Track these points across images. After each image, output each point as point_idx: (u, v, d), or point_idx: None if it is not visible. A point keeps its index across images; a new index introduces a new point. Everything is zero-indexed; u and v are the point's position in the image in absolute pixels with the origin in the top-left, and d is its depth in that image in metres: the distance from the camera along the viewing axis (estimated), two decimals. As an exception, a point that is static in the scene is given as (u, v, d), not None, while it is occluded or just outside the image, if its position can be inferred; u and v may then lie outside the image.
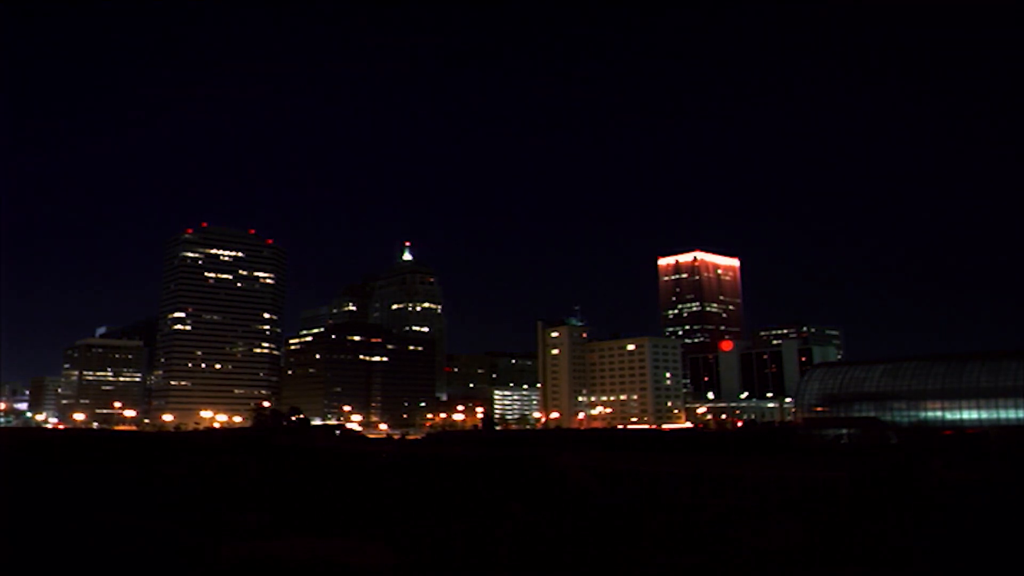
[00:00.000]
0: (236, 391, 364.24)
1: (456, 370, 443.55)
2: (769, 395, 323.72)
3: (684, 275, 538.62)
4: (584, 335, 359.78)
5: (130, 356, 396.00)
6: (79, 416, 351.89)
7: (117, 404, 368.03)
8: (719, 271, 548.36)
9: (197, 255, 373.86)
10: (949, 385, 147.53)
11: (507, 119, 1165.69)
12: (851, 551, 43.13)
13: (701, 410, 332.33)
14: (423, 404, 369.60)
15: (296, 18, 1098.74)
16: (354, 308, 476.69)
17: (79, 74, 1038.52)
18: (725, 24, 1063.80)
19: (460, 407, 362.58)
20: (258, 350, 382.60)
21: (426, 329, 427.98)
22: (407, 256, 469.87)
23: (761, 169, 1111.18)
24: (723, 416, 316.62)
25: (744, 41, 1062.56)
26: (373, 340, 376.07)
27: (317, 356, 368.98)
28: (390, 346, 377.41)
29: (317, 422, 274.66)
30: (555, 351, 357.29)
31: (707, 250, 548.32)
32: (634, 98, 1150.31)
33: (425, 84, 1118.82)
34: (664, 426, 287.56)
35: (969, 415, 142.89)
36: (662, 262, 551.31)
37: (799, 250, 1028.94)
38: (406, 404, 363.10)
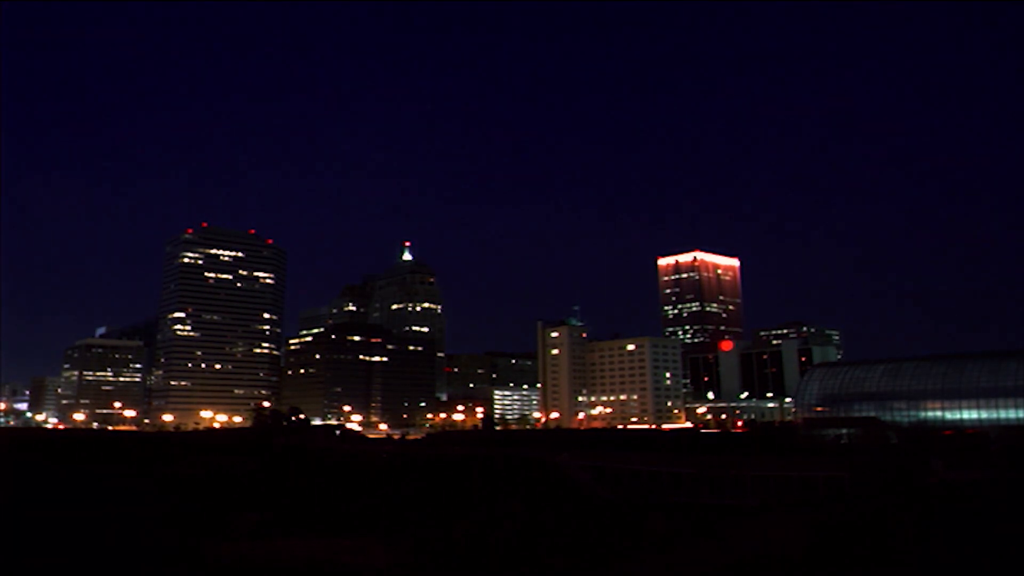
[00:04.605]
0: (236, 391, 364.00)
1: (456, 370, 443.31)
2: (769, 395, 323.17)
3: (684, 275, 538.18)
4: (584, 335, 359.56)
5: (130, 356, 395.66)
6: (79, 416, 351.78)
7: (117, 404, 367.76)
8: (719, 271, 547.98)
9: (197, 255, 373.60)
10: (949, 385, 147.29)
11: (507, 119, 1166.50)
12: (851, 551, 43.08)
13: (701, 410, 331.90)
14: (423, 404, 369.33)
15: (296, 18, 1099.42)
16: (354, 308, 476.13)
17: (79, 74, 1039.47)
18: (726, 24, 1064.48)
19: (460, 407, 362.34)
20: (258, 350, 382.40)
21: (426, 329, 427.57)
22: (407, 256, 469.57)
23: (761, 169, 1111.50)
24: (723, 416, 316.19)
25: (745, 41, 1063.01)
26: (373, 340, 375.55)
27: (317, 356, 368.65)
28: (390, 346, 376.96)
29: (317, 422, 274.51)
30: (555, 351, 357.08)
31: (707, 250, 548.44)
32: (634, 98, 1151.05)
33: (425, 84, 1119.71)
34: (664, 426, 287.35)
35: (969, 415, 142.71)
36: (662, 262, 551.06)
37: (799, 250, 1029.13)
38: (406, 404, 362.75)
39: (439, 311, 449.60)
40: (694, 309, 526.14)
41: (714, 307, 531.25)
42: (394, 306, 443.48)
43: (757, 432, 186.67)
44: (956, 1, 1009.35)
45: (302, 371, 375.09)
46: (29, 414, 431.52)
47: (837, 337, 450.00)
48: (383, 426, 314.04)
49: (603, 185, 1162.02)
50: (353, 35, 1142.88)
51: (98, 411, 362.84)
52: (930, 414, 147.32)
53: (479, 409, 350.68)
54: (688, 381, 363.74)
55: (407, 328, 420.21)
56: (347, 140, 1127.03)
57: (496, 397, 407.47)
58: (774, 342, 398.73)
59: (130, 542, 54.88)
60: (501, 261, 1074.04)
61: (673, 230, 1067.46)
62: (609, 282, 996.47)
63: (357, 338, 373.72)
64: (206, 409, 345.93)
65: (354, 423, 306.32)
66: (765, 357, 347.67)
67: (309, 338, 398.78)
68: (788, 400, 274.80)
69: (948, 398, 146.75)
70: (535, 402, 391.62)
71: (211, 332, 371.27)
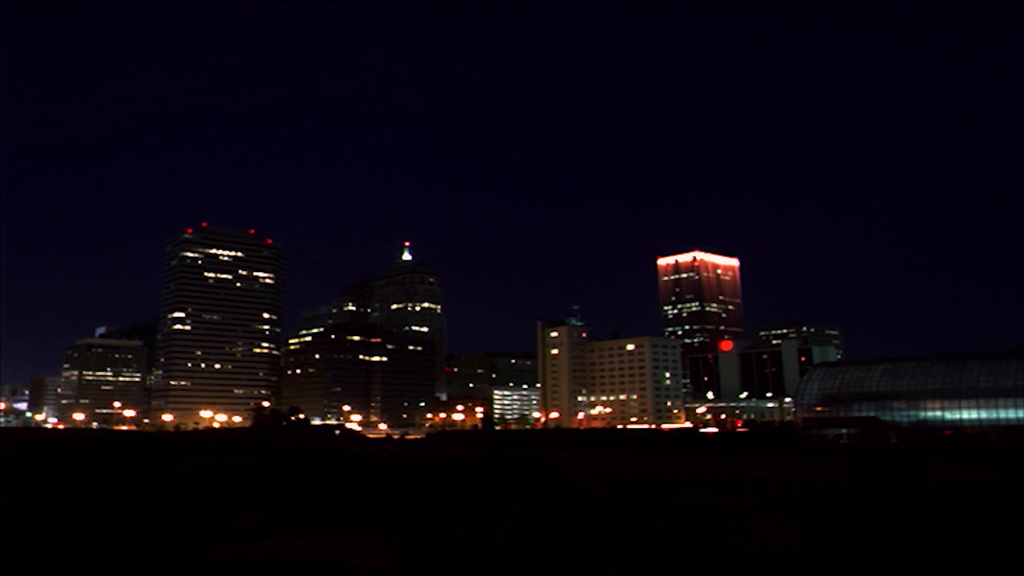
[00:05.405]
0: (236, 391, 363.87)
1: (456, 370, 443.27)
2: (769, 395, 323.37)
3: (684, 275, 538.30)
4: (584, 335, 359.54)
5: (130, 356, 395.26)
6: (79, 416, 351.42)
7: (117, 404, 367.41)
8: (719, 271, 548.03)
9: (197, 255, 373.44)
10: (949, 385, 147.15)
11: (506, 119, 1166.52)
12: (851, 551, 43.10)
13: (701, 410, 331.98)
14: (423, 404, 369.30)
15: (297, 18, 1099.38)
16: (354, 308, 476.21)
17: (80, 74, 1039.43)
18: (726, 24, 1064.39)
19: (460, 407, 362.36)
20: (258, 350, 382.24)
21: (426, 329, 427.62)
22: (407, 256, 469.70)
23: (761, 169, 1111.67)
24: (723, 416, 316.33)
25: (744, 41, 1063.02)
26: (373, 340, 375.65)
27: (317, 356, 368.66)
28: (390, 346, 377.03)
29: (317, 422, 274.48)
30: (555, 351, 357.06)
31: (707, 250, 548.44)
32: (634, 98, 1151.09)
33: (424, 84, 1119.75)
34: (664, 426, 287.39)
35: (969, 415, 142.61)
36: (662, 262, 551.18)
37: (799, 250, 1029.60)
38: (406, 404, 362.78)
39: (439, 311, 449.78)
40: (694, 309, 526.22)
41: (714, 307, 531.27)
42: (394, 306, 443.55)
43: (757, 432, 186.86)
44: (960, 2, 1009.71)
45: (302, 371, 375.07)
46: (29, 414, 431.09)
47: (837, 337, 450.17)
48: (383, 426, 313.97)
49: (603, 184, 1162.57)
50: (353, 35, 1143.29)
51: (98, 411, 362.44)
52: (930, 414, 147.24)
53: (479, 409, 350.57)
54: (688, 381, 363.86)
55: (407, 328, 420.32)
56: (347, 140, 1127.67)
57: (496, 397, 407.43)
58: (774, 342, 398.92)
59: (130, 542, 54.81)
60: (501, 261, 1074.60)
61: (673, 230, 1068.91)
62: (609, 282, 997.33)
63: (357, 338, 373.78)
64: (206, 409, 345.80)
65: (354, 423, 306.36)
66: (765, 357, 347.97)
67: (309, 338, 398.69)
68: (788, 400, 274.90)
69: (948, 398, 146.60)
70: (535, 402, 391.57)
71: (211, 332, 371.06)
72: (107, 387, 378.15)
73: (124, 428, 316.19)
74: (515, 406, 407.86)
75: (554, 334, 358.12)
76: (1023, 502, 57.01)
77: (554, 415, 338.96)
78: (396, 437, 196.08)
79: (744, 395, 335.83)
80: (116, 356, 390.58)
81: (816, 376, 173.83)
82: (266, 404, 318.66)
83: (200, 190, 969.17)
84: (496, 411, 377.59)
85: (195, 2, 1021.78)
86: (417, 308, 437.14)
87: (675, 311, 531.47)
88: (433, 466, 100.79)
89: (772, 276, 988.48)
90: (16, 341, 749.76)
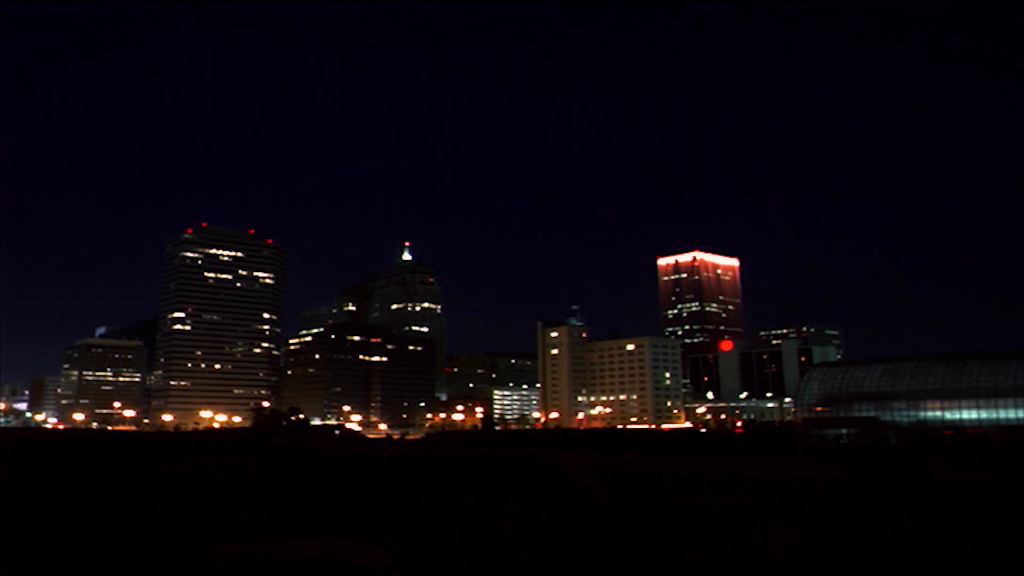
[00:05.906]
0: (236, 391, 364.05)
1: (456, 370, 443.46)
2: (769, 395, 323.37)
3: (684, 275, 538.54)
4: (584, 335, 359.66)
5: (130, 356, 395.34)
6: (79, 416, 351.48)
7: (117, 404, 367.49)
8: (719, 271, 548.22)
9: (197, 255, 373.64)
10: (949, 385, 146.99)
11: (506, 119, 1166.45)
12: (851, 551, 43.12)
13: (701, 410, 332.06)
14: (423, 404, 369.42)
15: (296, 17, 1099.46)
16: (354, 308, 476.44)
17: (79, 74, 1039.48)
18: (725, 23, 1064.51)
19: (460, 407, 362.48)
20: (258, 350, 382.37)
21: (426, 329, 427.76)
22: (407, 256, 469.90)
23: (761, 169, 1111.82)
24: (723, 416, 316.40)
25: (745, 40, 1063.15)
26: (373, 340, 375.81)
27: (317, 356, 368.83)
28: (390, 346, 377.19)
29: (317, 422, 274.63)
30: (555, 351, 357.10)
31: (707, 250, 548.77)
32: (634, 98, 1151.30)
33: (425, 84, 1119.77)
34: (664, 426, 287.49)
35: (969, 415, 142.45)
36: (662, 262, 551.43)
37: (799, 250, 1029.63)
38: (406, 404, 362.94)
39: (439, 311, 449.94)
40: (694, 309, 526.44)
41: (714, 307, 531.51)
42: (394, 306, 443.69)
43: (757, 432, 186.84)
44: (960, 2, 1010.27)
45: (302, 371, 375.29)
46: (29, 414, 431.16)
47: (837, 337, 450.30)
48: (383, 426, 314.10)
49: (603, 185, 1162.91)
50: (353, 35, 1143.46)
51: (98, 411, 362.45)
52: (930, 414, 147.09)
53: (479, 409, 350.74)
54: (688, 381, 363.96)
55: (407, 328, 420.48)
56: (347, 140, 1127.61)
57: (496, 397, 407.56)
58: (774, 342, 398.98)
59: (130, 542, 54.83)
60: (501, 261, 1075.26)
61: (673, 230, 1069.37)
62: (609, 282, 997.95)
63: (357, 338, 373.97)
64: (206, 409, 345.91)
65: (354, 423, 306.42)
66: (765, 357, 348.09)
67: (309, 338, 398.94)
68: (788, 400, 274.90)
69: (948, 398, 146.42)
70: (535, 402, 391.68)
71: (211, 332, 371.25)
72: (107, 387, 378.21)
73: (124, 428, 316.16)
74: (515, 406, 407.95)
75: (554, 334, 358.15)
76: (1023, 502, 57.03)
77: (554, 415, 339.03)
78: (396, 437, 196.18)
79: (744, 395, 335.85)
80: (116, 356, 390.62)
81: (816, 376, 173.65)
82: (266, 404, 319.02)
83: (200, 190, 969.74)
84: (496, 411, 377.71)
85: (195, 3, 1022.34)
86: (417, 308, 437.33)
87: (675, 311, 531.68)
88: (433, 466, 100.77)
89: (772, 276, 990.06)
90: (16, 341, 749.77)
